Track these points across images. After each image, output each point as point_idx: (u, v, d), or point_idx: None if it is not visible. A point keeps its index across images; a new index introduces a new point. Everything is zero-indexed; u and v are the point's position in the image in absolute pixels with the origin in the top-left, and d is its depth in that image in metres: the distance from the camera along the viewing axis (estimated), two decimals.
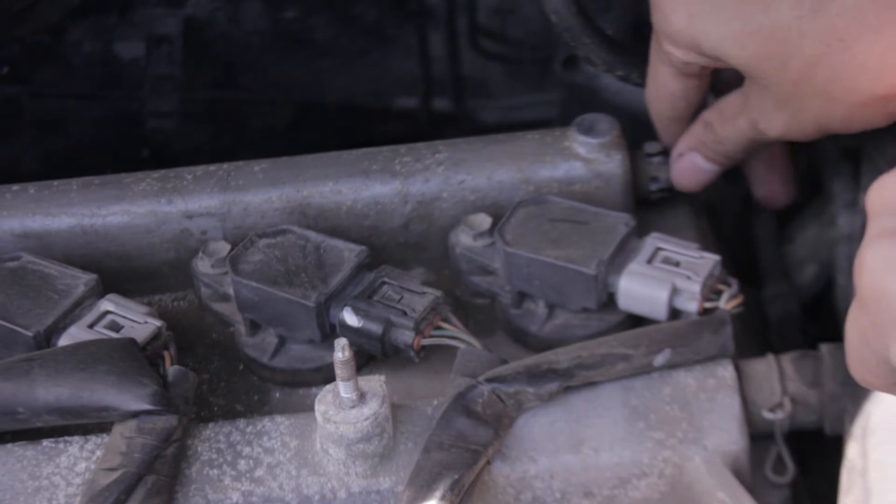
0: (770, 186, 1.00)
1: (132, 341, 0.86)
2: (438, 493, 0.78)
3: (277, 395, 0.92)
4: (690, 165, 0.97)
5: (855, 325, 0.63)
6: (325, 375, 0.90)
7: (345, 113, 1.30)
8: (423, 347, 0.88)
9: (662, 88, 0.96)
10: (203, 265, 0.94)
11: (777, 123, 0.90)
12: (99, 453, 0.83)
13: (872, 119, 0.87)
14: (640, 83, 0.98)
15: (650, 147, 1.00)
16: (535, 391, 0.83)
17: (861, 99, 0.85)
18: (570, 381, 0.84)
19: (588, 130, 0.98)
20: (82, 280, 0.92)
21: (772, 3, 0.85)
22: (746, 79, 0.91)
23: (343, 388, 0.80)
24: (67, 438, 0.85)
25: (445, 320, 0.89)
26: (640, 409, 0.84)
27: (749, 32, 0.87)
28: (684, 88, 0.95)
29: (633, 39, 1.03)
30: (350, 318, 0.88)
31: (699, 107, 0.97)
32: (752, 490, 0.83)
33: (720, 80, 0.97)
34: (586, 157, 0.97)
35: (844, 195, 0.97)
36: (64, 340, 0.89)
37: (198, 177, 0.98)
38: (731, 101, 0.94)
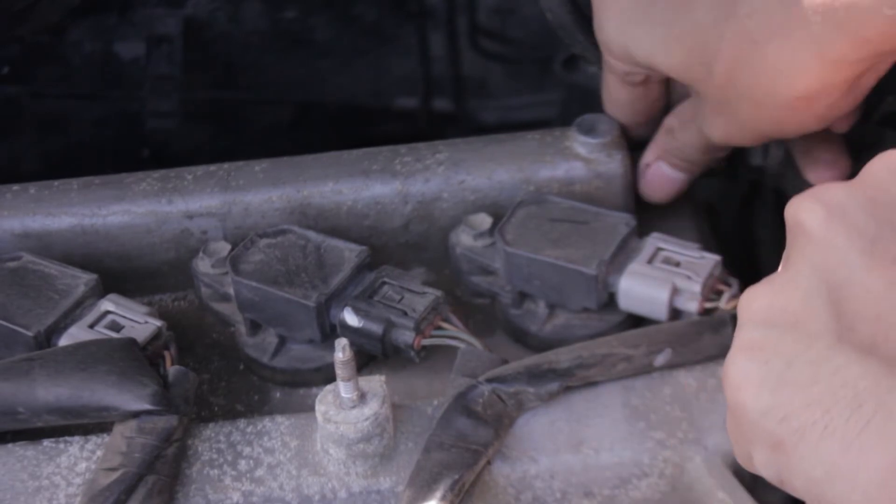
0: (819, 166, 0.97)
1: (132, 341, 0.86)
2: (439, 493, 0.78)
3: (278, 395, 0.92)
4: (658, 175, 0.98)
5: (729, 426, 0.63)
6: (326, 375, 0.90)
7: (345, 113, 1.30)
8: (424, 347, 0.88)
9: (611, 95, 0.97)
10: (203, 265, 0.94)
11: (717, 129, 0.90)
12: (99, 453, 0.83)
13: (803, 122, 0.86)
14: None
15: None
16: (535, 391, 0.83)
17: (783, 101, 0.84)
18: (571, 381, 0.84)
19: (588, 130, 0.98)
20: (83, 280, 0.92)
21: (692, 6, 0.85)
22: (687, 86, 0.91)
23: (343, 389, 0.80)
24: (68, 438, 0.85)
25: (446, 320, 0.89)
26: (641, 409, 0.84)
27: (673, 38, 0.87)
28: (631, 97, 0.96)
29: None
30: (350, 318, 0.88)
31: (654, 114, 0.97)
32: (752, 490, 0.83)
33: (676, 89, 0.97)
34: (587, 157, 0.97)
35: None
36: (64, 340, 0.89)
37: (198, 177, 0.98)
38: (686, 105, 0.95)
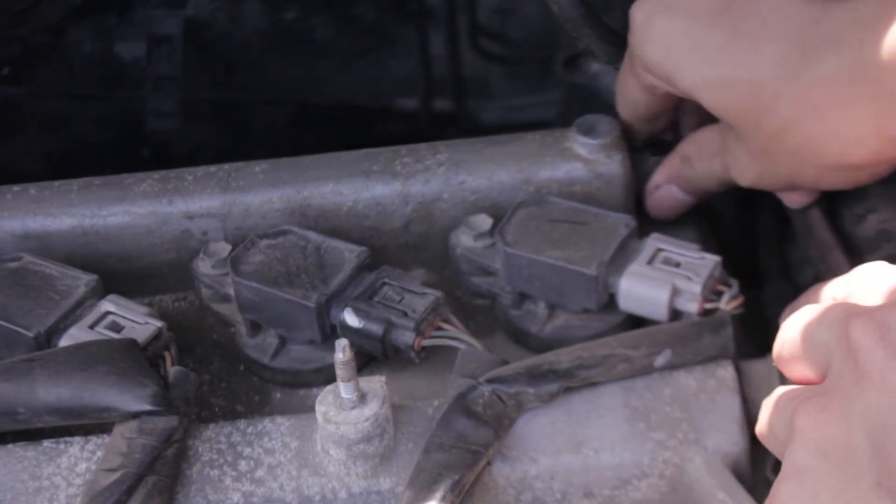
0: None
1: (133, 342, 0.86)
2: (439, 494, 0.78)
3: (278, 395, 0.92)
4: (667, 197, 0.98)
5: None
6: (326, 376, 0.90)
7: (345, 113, 1.30)
8: (424, 348, 0.88)
9: (627, 94, 0.97)
10: (204, 266, 0.94)
11: (748, 174, 0.91)
12: (99, 454, 0.83)
13: (840, 183, 0.88)
14: None
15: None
16: (535, 392, 0.83)
17: (831, 165, 0.85)
18: (571, 382, 0.84)
19: (588, 131, 0.98)
20: (83, 281, 0.92)
21: (753, 59, 0.85)
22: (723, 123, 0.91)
23: (344, 389, 0.80)
24: (68, 439, 0.85)
25: (446, 321, 0.89)
26: (641, 409, 0.84)
27: (725, 83, 0.87)
28: (647, 101, 0.96)
29: None
30: (351, 318, 0.88)
31: (665, 113, 0.97)
32: (752, 491, 0.82)
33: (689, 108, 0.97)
34: (587, 157, 0.97)
35: (852, 213, 0.97)
36: (65, 341, 0.89)
37: (198, 177, 0.98)
38: (708, 138, 0.94)
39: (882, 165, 0.86)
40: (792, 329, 0.68)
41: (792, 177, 0.89)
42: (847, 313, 0.61)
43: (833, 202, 0.96)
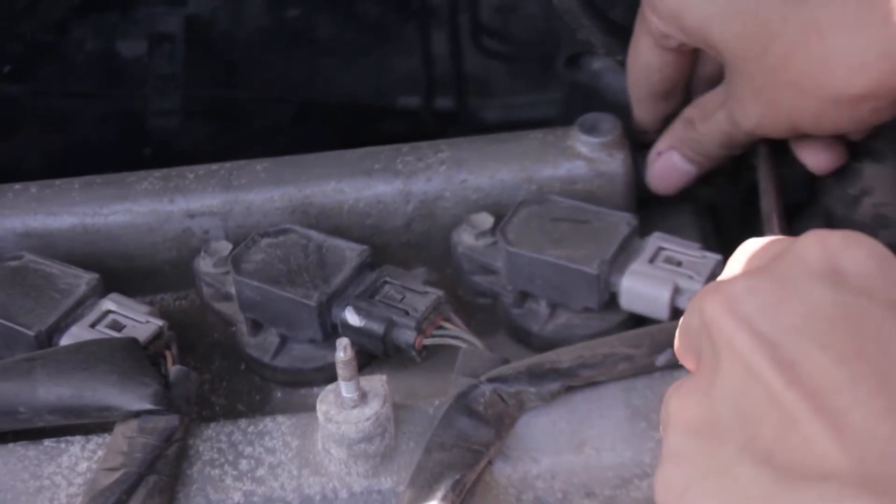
0: (814, 148, 0.96)
1: (134, 341, 0.86)
2: (440, 493, 0.78)
3: (279, 394, 0.92)
4: (668, 165, 0.97)
5: None
6: (327, 375, 0.90)
7: (347, 112, 1.30)
8: (425, 347, 0.88)
9: (641, 59, 0.96)
10: (205, 264, 0.94)
11: (751, 114, 0.90)
12: (100, 453, 0.83)
13: (840, 121, 0.87)
14: None
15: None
16: (536, 391, 0.83)
17: (832, 96, 0.84)
18: (572, 381, 0.84)
19: (590, 130, 0.98)
20: (84, 279, 0.92)
21: None
22: (725, 66, 0.91)
23: (345, 388, 0.80)
24: (69, 438, 0.85)
25: (447, 320, 0.89)
26: (642, 409, 0.84)
27: (734, 12, 0.87)
28: (661, 62, 0.95)
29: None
30: (352, 317, 0.88)
31: (678, 87, 0.97)
32: None
33: (700, 80, 0.96)
34: (589, 156, 0.97)
35: (845, 194, 0.97)
36: (65, 340, 0.89)
37: (200, 176, 0.98)
38: (711, 97, 0.94)
39: (883, 99, 0.84)
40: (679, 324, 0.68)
41: (792, 116, 0.87)
42: (703, 292, 0.61)
43: (824, 182, 0.96)
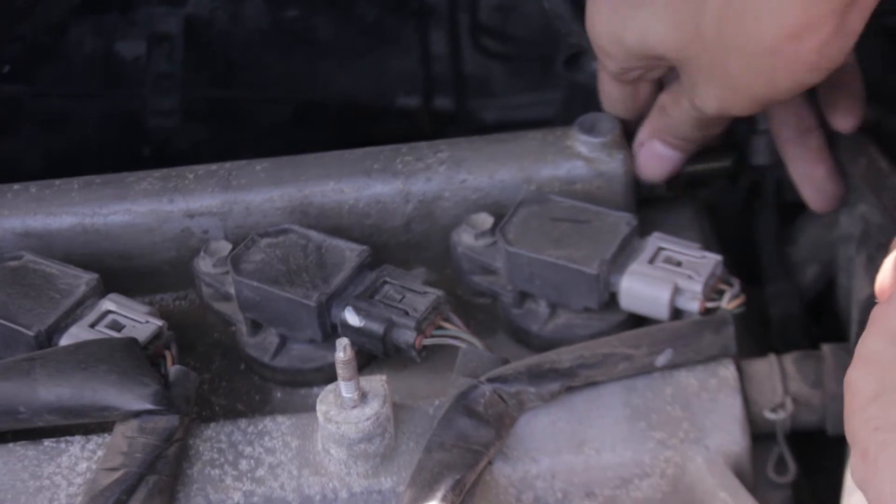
0: (817, 184, 0.97)
1: (133, 341, 0.86)
2: (440, 493, 0.78)
3: (279, 394, 0.92)
4: (652, 153, 0.97)
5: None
6: (327, 375, 0.90)
7: (346, 112, 1.30)
8: (425, 347, 0.88)
9: (604, 92, 0.98)
10: (204, 264, 0.94)
11: (710, 97, 0.90)
12: (100, 453, 0.83)
13: (795, 71, 0.85)
14: None
15: None
16: (536, 391, 0.83)
17: (771, 45, 0.83)
18: (572, 381, 0.84)
19: (590, 130, 0.98)
20: (84, 279, 0.92)
21: None
22: (674, 62, 0.91)
23: (344, 388, 0.80)
24: (69, 438, 0.85)
25: (447, 320, 0.89)
26: (642, 409, 0.84)
27: (661, 6, 0.88)
28: (623, 95, 0.97)
29: None
30: (351, 317, 0.88)
31: (646, 107, 0.97)
32: (753, 490, 0.83)
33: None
34: (588, 156, 0.97)
35: (850, 193, 0.97)
36: (65, 340, 0.89)
37: (199, 176, 0.98)
38: (676, 81, 0.94)
39: (821, 33, 0.82)
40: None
41: (747, 84, 0.87)
42: None
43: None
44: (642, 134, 0.97)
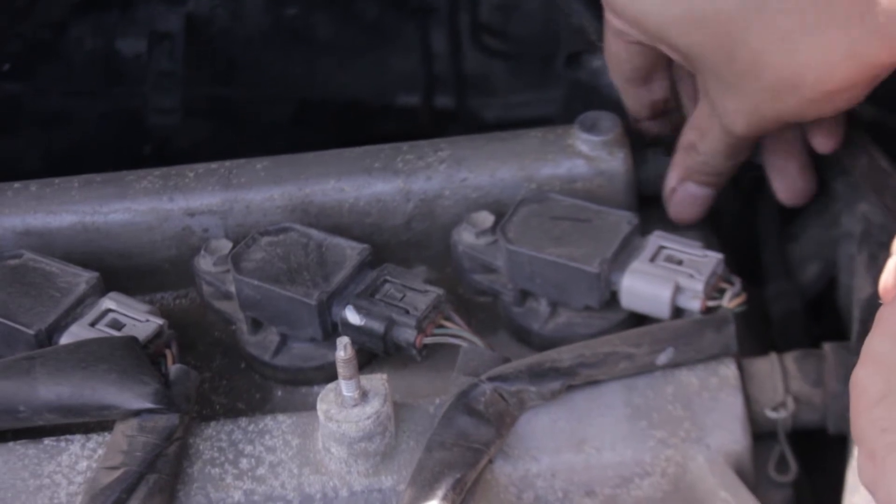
0: (789, 178, 0.98)
1: (134, 339, 0.86)
2: (440, 492, 0.78)
3: (279, 393, 0.92)
4: (686, 196, 0.97)
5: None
6: (327, 374, 0.90)
7: (346, 110, 1.29)
8: (426, 346, 0.88)
9: (610, 50, 0.96)
10: (205, 263, 0.94)
11: (738, 120, 0.89)
12: (100, 452, 0.83)
13: (822, 111, 0.87)
14: None
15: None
16: (537, 390, 0.83)
17: (807, 96, 0.85)
18: (573, 380, 0.84)
19: (591, 128, 0.98)
20: (84, 278, 0.92)
21: None
22: (696, 73, 0.91)
23: (345, 387, 0.80)
24: (69, 437, 0.85)
25: (448, 319, 0.88)
26: (643, 407, 0.84)
27: (692, 19, 0.86)
28: (628, 53, 0.94)
29: None
30: (352, 316, 0.88)
31: (653, 75, 0.96)
32: (754, 489, 0.82)
33: (679, 73, 0.96)
34: (589, 154, 0.97)
35: (847, 194, 0.97)
36: (65, 339, 0.88)
37: (199, 174, 0.98)
38: (700, 112, 0.93)
39: (858, 89, 0.85)
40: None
41: (778, 113, 0.88)
42: None
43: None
44: (672, 179, 0.97)
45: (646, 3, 0.88)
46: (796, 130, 0.96)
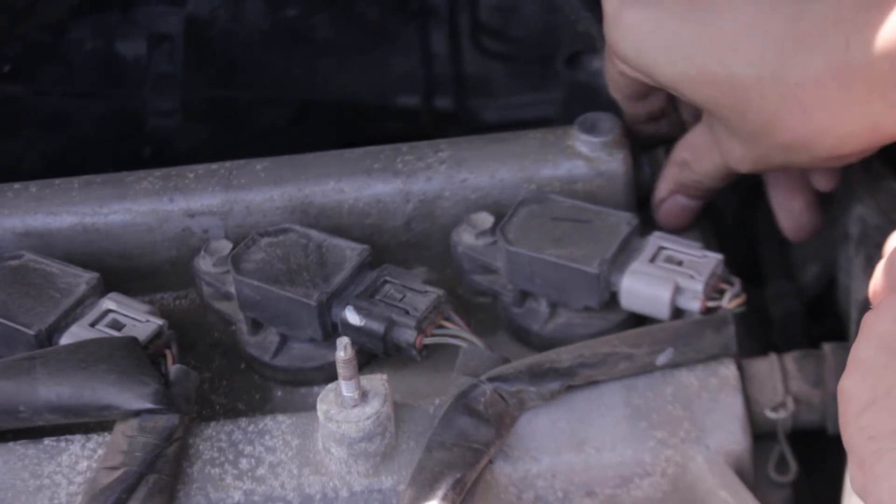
0: (794, 215, 0.98)
1: (134, 340, 0.86)
2: (440, 493, 0.78)
3: (279, 393, 0.92)
4: (675, 207, 0.97)
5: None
6: (327, 374, 0.90)
7: (346, 111, 1.30)
8: (425, 346, 0.88)
9: (611, 73, 0.95)
10: (205, 264, 0.94)
11: (745, 163, 0.89)
12: (100, 452, 0.83)
13: (833, 165, 0.89)
14: None
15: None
16: (537, 390, 0.83)
17: (822, 156, 0.84)
18: (573, 381, 0.84)
19: (590, 129, 0.98)
20: (84, 279, 0.92)
21: (730, 56, 0.83)
22: (705, 116, 0.90)
23: (345, 387, 0.80)
24: (69, 437, 0.85)
25: (447, 319, 0.88)
26: (643, 408, 0.84)
27: (704, 80, 0.85)
28: (629, 83, 0.94)
29: None
30: (352, 316, 0.88)
31: (654, 93, 0.96)
32: (754, 489, 0.82)
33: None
34: (588, 155, 0.97)
35: (843, 196, 0.97)
36: (65, 339, 0.88)
37: (199, 175, 0.98)
38: (700, 136, 0.93)
39: (870, 152, 0.85)
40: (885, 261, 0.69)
41: (786, 162, 0.88)
42: None
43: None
44: (662, 190, 0.97)
45: (656, 59, 0.87)
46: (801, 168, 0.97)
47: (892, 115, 0.80)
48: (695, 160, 0.94)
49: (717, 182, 0.95)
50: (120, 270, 0.97)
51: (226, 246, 0.94)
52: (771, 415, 0.87)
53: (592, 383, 0.85)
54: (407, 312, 0.88)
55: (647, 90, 0.95)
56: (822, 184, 0.95)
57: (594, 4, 0.95)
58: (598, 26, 0.96)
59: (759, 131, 0.85)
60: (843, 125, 0.82)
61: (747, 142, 0.88)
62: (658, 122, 1.00)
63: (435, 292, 0.89)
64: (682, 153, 0.95)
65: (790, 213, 0.97)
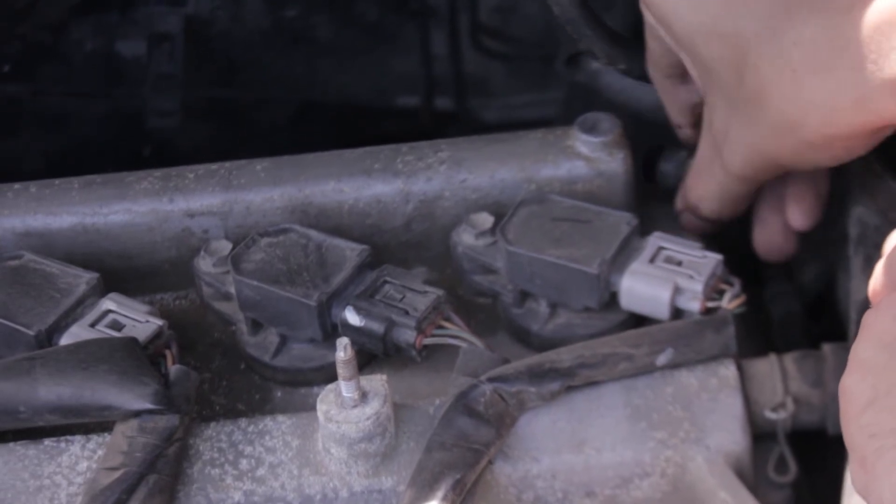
0: (769, 231, 0.97)
1: (134, 340, 0.86)
2: (440, 493, 0.78)
3: (279, 394, 0.92)
4: (691, 222, 0.98)
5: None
6: (327, 375, 0.90)
7: (346, 111, 1.30)
8: (425, 347, 0.88)
9: (649, 46, 0.95)
10: (205, 264, 0.94)
11: (736, 156, 0.89)
12: (100, 452, 0.83)
13: (820, 160, 0.87)
14: (642, 77, 0.98)
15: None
16: (537, 390, 0.83)
17: (808, 138, 0.83)
18: (573, 381, 0.84)
19: (590, 129, 0.98)
20: (84, 279, 0.92)
21: (742, 12, 0.84)
22: (708, 91, 0.90)
23: (345, 388, 0.80)
24: (69, 437, 0.85)
25: (447, 319, 0.88)
26: (643, 408, 0.84)
27: (715, 32, 0.86)
28: (663, 49, 0.94)
29: (634, 37, 1.03)
30: (352, 317, 0.88)
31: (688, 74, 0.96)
32: (754, 490, 0.82)
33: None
34: (588, 156, 0.97)
35: (842, 197, 0.97)
36: (65, 339, 0.88)
37: (199, 175, 0.98)
38: (702, 152, 0.93)
39: (859, 139, 0.83)
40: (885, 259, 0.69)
41: (774, 154, 0.87)
42: None
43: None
44: (678, 204, 0.98)
45: (676, 4, 0.88)
46: (785, 186, 0.96)
47: (880, 91, 0.79)
48: (695, 183, 0.94)
49: (717, 207, 0.95)
50: (120, 270, 0.97)
51: (226, 246, 0.94)
52: (771, 415, 0.87)
53: (592, 384, 0.85)
54: (407, 313, 0.88)
55: (683, 69, 0.95)
56: (798, 220, 0.94)
57: (597, 23, 0.95)
58: (599, 43, 0.96)
59: (752, 99, 0.85)
60: (830, 96, 0.81)
61: (740, 120, 0.87)
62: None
63: (435, 292, 0.89)
64: (689, 180, 0.96)
65: (766, 227, 0.97)
